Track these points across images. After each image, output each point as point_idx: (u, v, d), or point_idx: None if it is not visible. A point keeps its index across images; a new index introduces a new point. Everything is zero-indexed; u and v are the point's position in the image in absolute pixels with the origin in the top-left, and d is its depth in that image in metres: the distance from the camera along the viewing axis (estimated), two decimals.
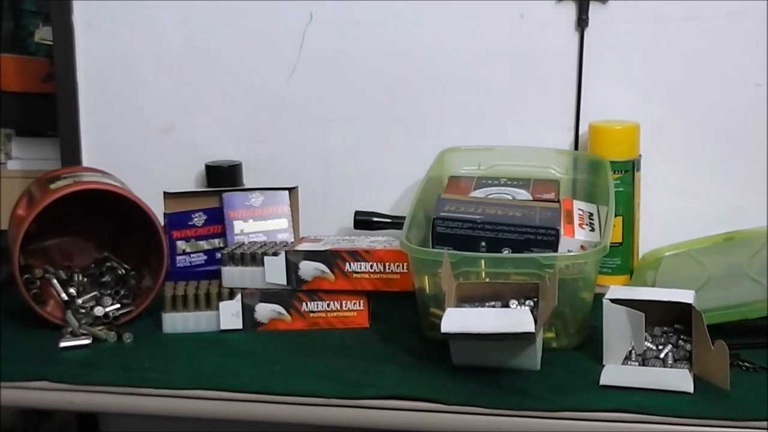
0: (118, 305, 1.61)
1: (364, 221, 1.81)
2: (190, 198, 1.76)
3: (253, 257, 1.59)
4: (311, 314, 1.60)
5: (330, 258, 1.58)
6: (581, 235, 1.57)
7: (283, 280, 1.59)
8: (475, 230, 1.53)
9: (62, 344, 1.52)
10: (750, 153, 1.79)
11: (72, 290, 1.63)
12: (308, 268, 1.58)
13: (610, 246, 1.48)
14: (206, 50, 1.91)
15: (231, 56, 1.91)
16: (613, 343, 1.41)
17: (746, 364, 1.42)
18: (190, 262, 1.74)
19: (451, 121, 1.87)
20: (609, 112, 1.80)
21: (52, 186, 1.62)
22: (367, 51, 1.87)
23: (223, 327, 1.58)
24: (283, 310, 1.59)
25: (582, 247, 1.55)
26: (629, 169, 1.74)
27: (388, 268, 1.57)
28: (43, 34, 2.04)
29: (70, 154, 1.93)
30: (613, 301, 1.41)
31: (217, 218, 1.75)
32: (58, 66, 1.91)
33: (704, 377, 1.36)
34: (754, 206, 1.78)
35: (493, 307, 1.45)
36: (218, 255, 1.65)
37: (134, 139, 1.96)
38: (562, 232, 1.54)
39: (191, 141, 1.94)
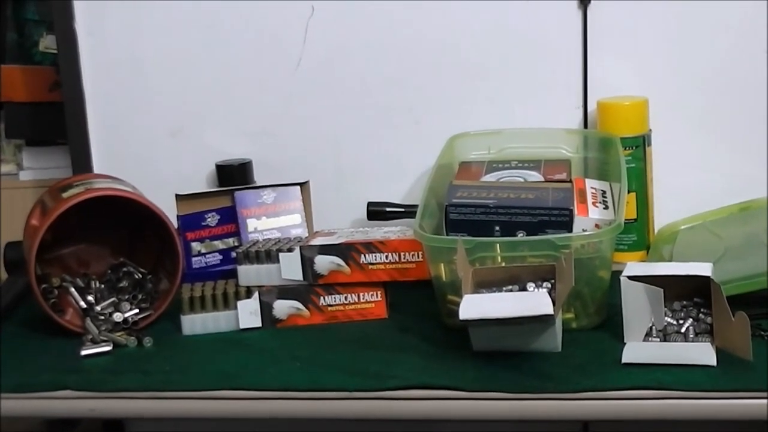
0: (136, 310, 1.62)
1: (377, 212, 1.81)
2: (203, 199, 1.76)
3: (268, 254, 1.59)
4: (329, 308, 1.60)
5: (345, 251, 1.57)
6: (595, 213, 1.56)
7: (299, 276, 1.59)
8: (489, 215, 1.53)
9: (83, 352, 1.52)
10: (761, 123, 1.78)
11: (90, 297, 1.64)
12: (324, 262, 1.58)
13: (625, 222, 1.47)
14: (210, 49, 1.91)
15: (234, 54, 1.91)
16: (633, 321, 1.41)
17: None
18: (206, 263, 1.74)
19: (459, 107, 1.86)
20: (617, 89, 1.79)
21: (65, 194, 1.62)
22: (369, 40, 1.87)
23: (242, 326, 1.58)
24: (301, 306, 1.59)
25: (597, 225, 1.55)
26: (640, 144, 1.74)
27: (404, 258, 1.57)
28: (48, 42, 2.04)
29: (81, 162, 1.93)
30: (630, 278, 1.41)
31: (230, 217, 1.75)
32: (64, 74, 1.91)
33: (726, 349, 1.35)
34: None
35: (511, 291, 1.45)
36: (233, 254, 1.65)
37: (143, 143, 1.96)
38: (575, 211, 1.53)
39: (200, 141, 1.94)
